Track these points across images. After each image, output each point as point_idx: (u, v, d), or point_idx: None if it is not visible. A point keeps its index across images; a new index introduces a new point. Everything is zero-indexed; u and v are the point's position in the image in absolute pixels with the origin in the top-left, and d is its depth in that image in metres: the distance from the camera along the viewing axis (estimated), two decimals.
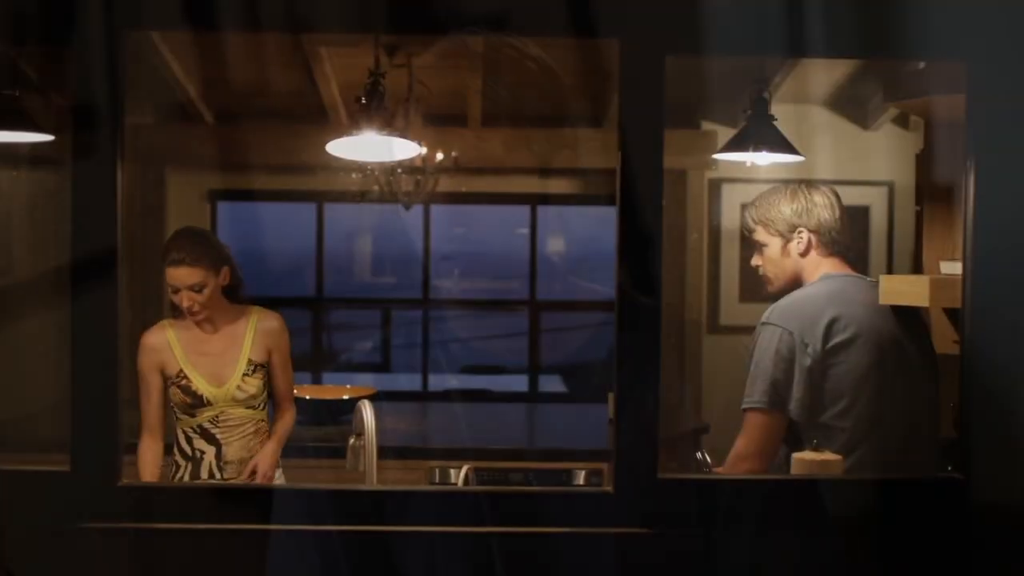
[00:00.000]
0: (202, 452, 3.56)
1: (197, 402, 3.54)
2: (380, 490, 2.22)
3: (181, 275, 3.48)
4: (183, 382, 3.54)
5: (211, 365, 3.56)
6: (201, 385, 3.53)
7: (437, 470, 4.43)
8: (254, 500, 2.14)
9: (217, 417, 3.55)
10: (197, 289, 3.50)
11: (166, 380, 3.57)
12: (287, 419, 3.71)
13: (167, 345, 3.57)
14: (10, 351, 5.59)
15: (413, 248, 8.40)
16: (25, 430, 4.87)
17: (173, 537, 2.05)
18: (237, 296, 3.67)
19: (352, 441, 3.01)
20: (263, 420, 3.65)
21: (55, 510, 2.06)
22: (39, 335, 5.66)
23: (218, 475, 3.56)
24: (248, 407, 3.57)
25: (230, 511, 2.09)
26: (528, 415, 6.49)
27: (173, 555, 2.05)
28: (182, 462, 3.59)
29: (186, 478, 3.56)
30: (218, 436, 3.56)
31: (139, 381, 3.58)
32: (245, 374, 3.56)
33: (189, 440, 3.58)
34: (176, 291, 3.51)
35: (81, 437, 2.07)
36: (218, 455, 3.56)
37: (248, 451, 3.58)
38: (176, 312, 3.63)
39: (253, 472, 3.54)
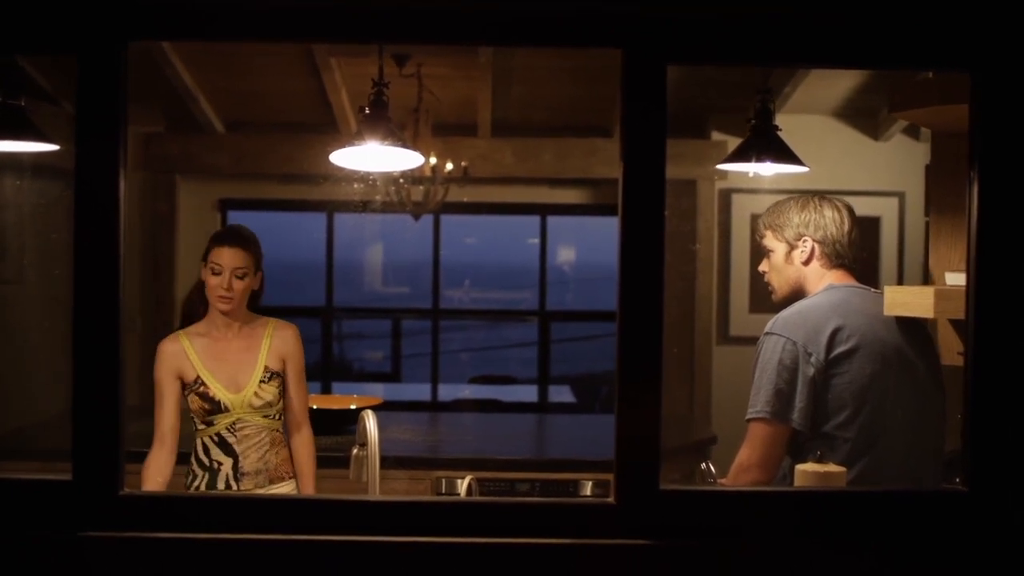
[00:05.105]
0: (219, 463, 3.55)
1: (215, 408, 3.53)
2: (381, 501, 2.21)
3: (232, 256, 3.50)
4: (201, 388, 3.53)
5: (228, 371, 3.56)
6: (219, 391, 3.52)
7: (443, 480, 4.42)
8: (255, 510, 2.13)
9: (234, 424, 3.54)
10: (240, 275, 3.51)
11: (184, 387, 3.55)
12: (309, 445, 3.71)
13: (184, 352, 3.56)
14: (15, 359, 5.61)
15: (423, 258, 8.42)
16: (29, 439, 4.88)
17: (174, 546, 2.05)
18: (256, 305, 3.69)
19: (356, 451, 3.00)
20: (279, 431, 3.64)
21: (56, 519, 2.06)
22: (42, 343, 5.68)
23: (235, 486, 3.54)
24: (264, 415, 3.57)
25: (231, 521, 2.08)
26: (537, 425, 6.48)
27: (174, 565, 2.05)
28: (199, 472, 3.58)
29: (202, 487, 3.56)
30: (235, 446, 3.55)
31: (155, 389, 3.56)
32: (262, 380, 3.56)
33: (207, 450, 3.57)
34: (218, 272, 3.50)
35: (83, 446, 2.06)
36: (235, 466, 3.55)
37: (264, 463, 3.58)
38: (189, 321, 3.64)
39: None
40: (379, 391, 9.79)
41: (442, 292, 8.67)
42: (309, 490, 3.66)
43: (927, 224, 5.21)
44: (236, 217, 7.62)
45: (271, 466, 3.60)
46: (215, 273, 3.52)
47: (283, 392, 3.63)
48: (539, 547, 2.06)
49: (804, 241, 3.01)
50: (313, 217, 7.98)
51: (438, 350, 8.81)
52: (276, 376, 3.60)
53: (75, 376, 2.06)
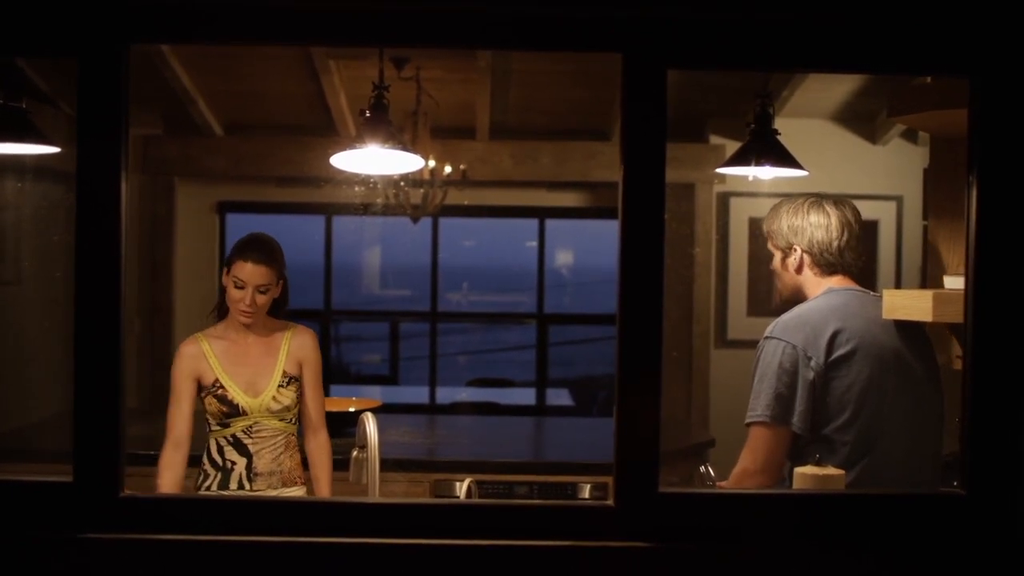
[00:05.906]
0: (233, 463, 3.56)
1: (233, 411, 3.53)
2: (381, 503, 2.22)
3: (254, 272, 3.49)
4: (219, 391, 3.54)
5: (247, 375, 3.57)
6: (237, 395, 3.53)
7: (442, 482, 4.42)
8: (255, 512, 2.13)
9: (251, 427, 3.55)
10: (263, 290, 3.51)
11: (202, 390, 3.56)
12: (326, 448, 3.71)
13: (203, 355, 3.56)
14: (14, 360, 5.61)
15: (422, 261, 8.42)
16: (28, 439, 4.88)
17: (174, 548, 2.05)
18: (279, 312, 3.70)
19: (355, 454, 3.00)
20: (293, 435, 3.65)
21: (57, 520, 2.06)
22: (42, 345, 5.68)
23: (247, 486, 3.55)
24: (281, 419, 3.58)
25: (231, 523, 2.09)
26: (535, 428, 6.48)
27: (174, 567, 2.05)
28: (211, 471, 3.59)
29: (214, 487, 3.56)
30: (250, 447, 3.56)
31: (171, 390, 3.56)
32: (280, 385, 3.57)
33: (221, 450, 3.57)
34: (240, 287, 3.50)
35: (83, 448, 2.07)
36: (248, 466, 3.55)
37: (278, 464, 3.59)
38: (216, 318, 3.66)
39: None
40: (376, 394, 9.78)
41: (440, 295, 8.67)
42: (325, 493, 3.67)
43: (925, 228, 5.22)
44: (234, 220, 7.62)
45: (285, 468, 3.61)
46: (237, 287, 3.52)
47: (300, 396, 3.64)
48: (538, 549, 2.06)
49: (794, 249, 3.01)
50: (311, 220, 7.98)
51: (436, 353, 8.80)
52: (294, 380, 3.61)
53: (76, 378, 2.07)
